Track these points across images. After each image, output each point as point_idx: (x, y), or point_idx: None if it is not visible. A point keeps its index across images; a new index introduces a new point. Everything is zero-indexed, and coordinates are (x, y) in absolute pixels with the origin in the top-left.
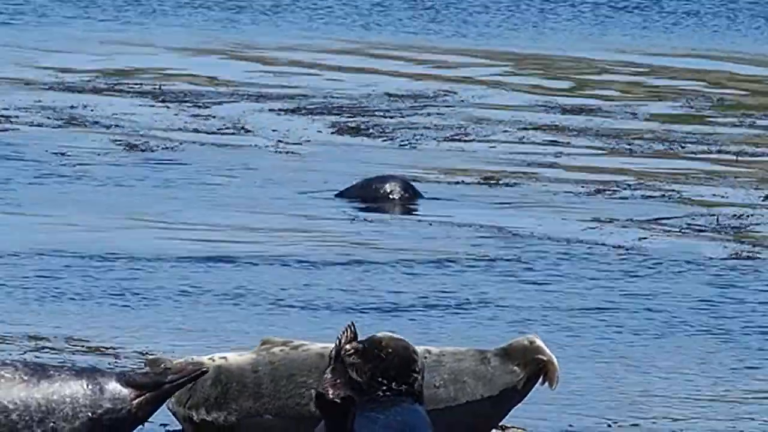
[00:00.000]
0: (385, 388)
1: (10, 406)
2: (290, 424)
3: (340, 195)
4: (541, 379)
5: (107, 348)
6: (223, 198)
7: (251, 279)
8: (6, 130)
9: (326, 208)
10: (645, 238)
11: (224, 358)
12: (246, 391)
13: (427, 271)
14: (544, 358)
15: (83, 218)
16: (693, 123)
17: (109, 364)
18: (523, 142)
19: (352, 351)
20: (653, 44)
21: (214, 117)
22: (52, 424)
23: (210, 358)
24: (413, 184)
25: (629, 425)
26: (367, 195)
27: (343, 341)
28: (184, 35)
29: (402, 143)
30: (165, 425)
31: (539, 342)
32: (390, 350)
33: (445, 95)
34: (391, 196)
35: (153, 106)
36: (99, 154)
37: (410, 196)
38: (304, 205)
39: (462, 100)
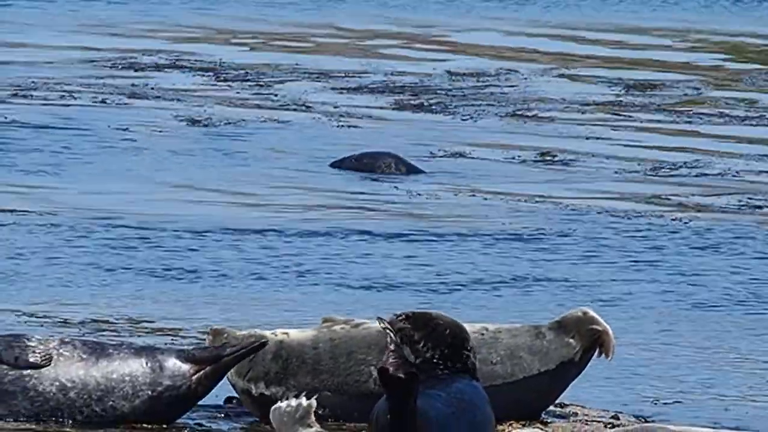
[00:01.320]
0: (442, 366)
1: (69, 385)
2: (348, 402)
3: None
4: (597, 351)
5: (168, 329)
6: (284, 173)
7: (313, 254)
8: (69, 105)
9: (384, 183)
10: (702, 216)
11: (286, 333)
12: (305, 367)
13: (483, 248)
14: (599, 329)
15: (144, 191)
16: (755, 105)
17: (170, 341)
18: (582, 122)
19: (404, 317)
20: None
21: (275, 95)
22: (111, 402)
23: (272, 333)
24: (471, 158)
25: (673, 402)
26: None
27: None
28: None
29: (464, 118)
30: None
31: (593, 313)
32: (441, 322)
33: (507, 73)
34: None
35: (214, 84)
36: (161, 130)
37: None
38: (363, 180)
39: (525, 78)
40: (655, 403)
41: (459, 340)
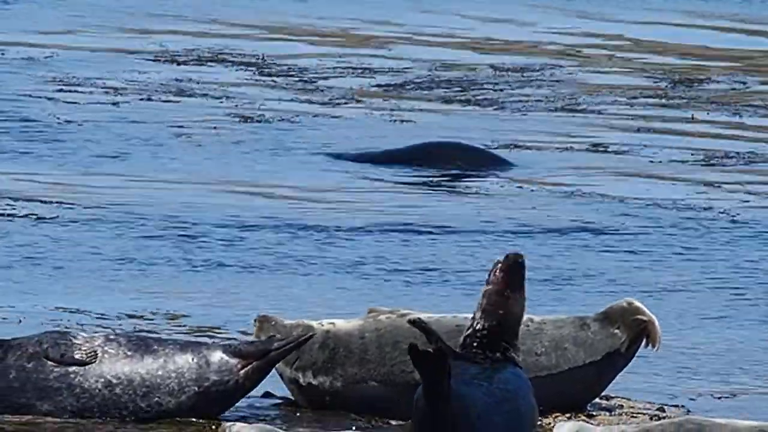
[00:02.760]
0: (482, 353)
1: (114, 381)
2: (394, 392)
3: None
4: (644, 342)
5: (207, 326)
6: (339, 166)
7: (362, 248)
8: (116, 103)
9: (438, 177)
10: (752, 206)
11: (332, 323)
12: (352, 357)
13: (532, 241)
14: (645, 319)
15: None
16: None
17: (211, 336)
18: (632, 115)
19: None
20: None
21: (322, 90)
22: (156, 398)
23: (319, 323)
24: (522, 152)
25: (721, 396)
26: (469, 164)
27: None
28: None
29: (513, 111)
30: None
31: (638, 303)
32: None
33: (552, 68)
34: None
35: (258, 79)
36: (215, 126)
37: (513, 165)
38: (418, 173)
39: (570, 73)
40: (701, 397)
41: (511, 321)
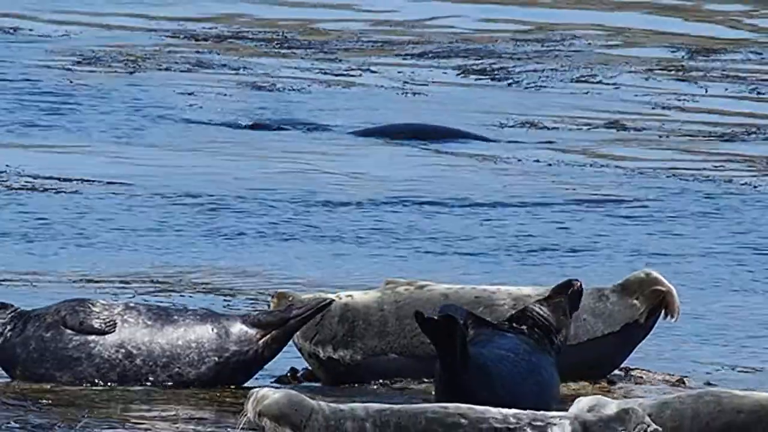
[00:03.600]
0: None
1: (134, 351)
2: (415, 363)
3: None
4: (662, 313)
5: (227, 291)
6: (347, 138)
7: (377, 219)
8: (133, 72)
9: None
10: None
11: (350, 295)
12: (372, 330)
13: (549, 214)
14: (663, 289)
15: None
16: None
17: (228, 305)
18: (649, 87)
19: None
20: None
21: (340, 61)
22: (177, 369)
23: (336, 296)
24: (539, 127)
25: (740, 369)
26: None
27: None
28: None
29: (527, 86)
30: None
31: (656, 274)
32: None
33: (572, 39)
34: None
35: (278, 52)
36: (226, 95)
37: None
38: (426, 146)
39: (588, 44)
40: (721, 369)
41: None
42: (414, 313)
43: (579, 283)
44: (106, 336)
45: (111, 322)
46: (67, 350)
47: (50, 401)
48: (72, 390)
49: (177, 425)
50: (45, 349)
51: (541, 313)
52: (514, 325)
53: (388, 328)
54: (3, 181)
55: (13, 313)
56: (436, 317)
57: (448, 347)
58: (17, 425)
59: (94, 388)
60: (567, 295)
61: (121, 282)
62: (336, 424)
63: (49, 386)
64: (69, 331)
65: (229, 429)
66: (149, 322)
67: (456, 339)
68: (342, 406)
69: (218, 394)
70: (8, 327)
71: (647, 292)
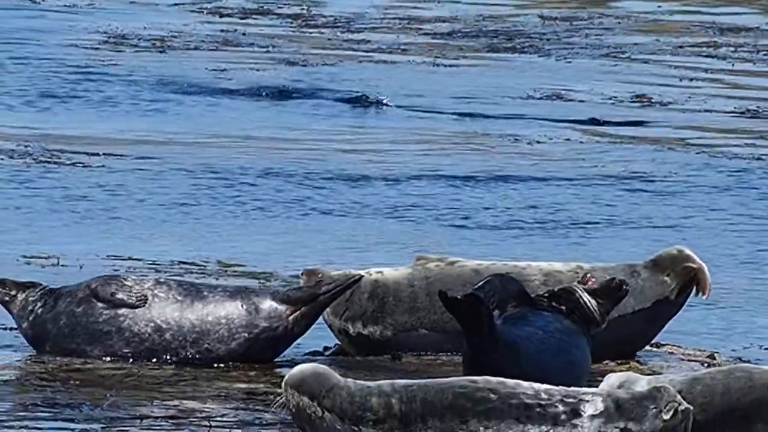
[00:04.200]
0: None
1: (164, 326)
2: (445, 339)
3: None
4: (694, 289)
5: (259, 272)
6: (379, 113)
7: (409, 195)
8: (163, 51)
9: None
10: None
11: (380, 272)
12: (402, 305)
13: (579, 189)
14: (695, 266)
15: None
16: None
17: (261, 283)
18: (677, 64)
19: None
20: None
21: (368, 41)
22: (206, 345)
23: (366, 272)
24: (567, 100)
25: None
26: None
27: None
28: None
29: (557, 58)
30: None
31: (688, 251)
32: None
33: (600, 17)
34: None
35: (304, 30)
36: (258, 70)
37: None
38: (458, 121)
39: (618, 21)
40: (752, 346)
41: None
42: (438, 293)
43: (627, 289)
44: (137, 310)
45: (142, 297)
46: (98, 324)
47: (78, 381)
48: (100, 370)
49: (205, 403)
50: (76, 324)
51: (587, 302)
52: (554, 303)
53: (419, 304)
54: (30, 155)
55: (42, 291)
56: (459, 296)
57: (473, 326)
58: (44, 404)
59: (121, 369)
60: (615, 297)
61: (150, 261)
62: (361, 400)
63: (78, 364)
64: (100, 305)
65: (258, 407)
66: (179, 298)
67: (481, 317)
68: (368, 383)
69: (247, 373)
70: (39, 304)
71: (679, 268)
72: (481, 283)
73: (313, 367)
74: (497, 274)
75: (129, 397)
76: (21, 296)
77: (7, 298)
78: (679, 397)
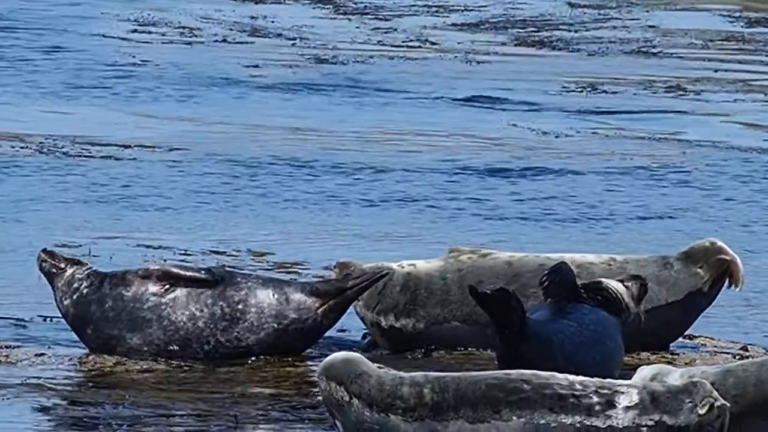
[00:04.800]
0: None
1: (198, 314)
2: (477, 331)
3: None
4: (726, 281)
5: (290, 262)
6: (411, 107)
7: (438, 187)
8: (190, 43)
9: (510, 118)
10: None
11: (413, 264)
12: (434, 298)
13: (609, 182)
14: (727, 258)
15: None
16: None
17: (292, 275)
18: (709, 57)
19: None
20: None
21: (395, 30)
22: (236, 333)
23: (398, 265)
24: (600, 93)
25: None
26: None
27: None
28: None
29: (590, 54)
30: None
31: (721, 243)
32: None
33: (628, 6)
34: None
35: (333, 18)
36: (290, 67)
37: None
38: (490, 114)
39: (646, 11)
40: None
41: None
42: (468, 287)
43: (647, 283)
44: (177, 298)
45: (221, 270)
46: (142, 311)
47: (98, 383)
48: (120, 374)
49: (232, 402)
50: (122, 309)
51: (616, 289)
52: (588, 295)
53: (451, 297)
54: (60, 148)
55: (89, 270)
56: (489, 290)
57: (504, 319)
58: (65, 402)
59: (143, 372)
60: (639, 284)
61: (182, 250)
62: (392, 389)
63: (109, 365)
64: (148, 292)
65: (283, 406)
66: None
67: (512, 311)
68: (401, 373)
69: (273, 373)
70: (85, 283)
71: (712, 260)
72: (554, 267)
73: (344, 354)
74: (563, 262)
75: (154, 396)
76: (69, 271)
77: (54, 270)
78: (715, 392)
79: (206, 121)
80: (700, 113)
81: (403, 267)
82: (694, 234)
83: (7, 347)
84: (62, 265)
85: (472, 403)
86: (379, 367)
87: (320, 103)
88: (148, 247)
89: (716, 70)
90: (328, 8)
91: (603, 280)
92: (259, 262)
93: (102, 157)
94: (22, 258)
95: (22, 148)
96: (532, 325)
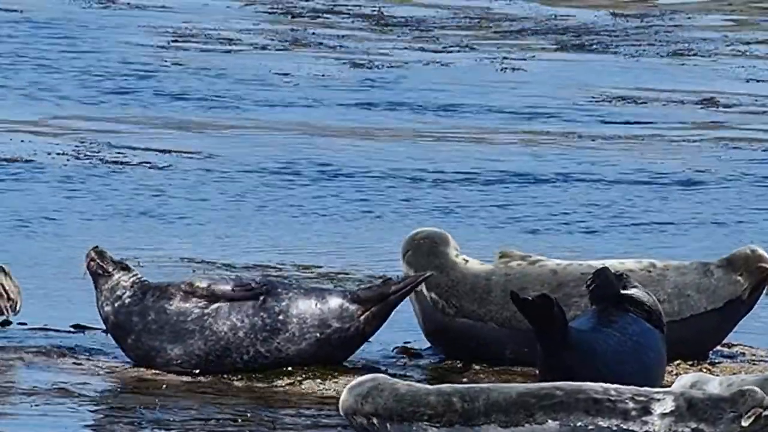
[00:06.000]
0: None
1: (239, 324)
2: (514, 335)
3: None
4: (766, 290)
5: (333, 273)
6: (448, 114)
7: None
8: (230, 51)
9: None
10: None
11: (466, 260)
12: (473, 294)
13: (646, 191)
14: (767, 266)
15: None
16: None
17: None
18: (744, 66)
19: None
20: None
21: (436, 39)
22: (276, 344)
23: (455, 255)
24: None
25: None
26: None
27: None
28: None
29: (626, 56)
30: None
31: (761, 250)
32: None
33: (671, 14)
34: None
35: (374, 29)
36: (323, 75)
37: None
38: (529, 121)
39: (689, 17)
40: None
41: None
42: (510, 294)
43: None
44: (220, 308)
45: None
46: (186, 323)
47: (132, 390)
48: (152, 383)
49: (270, 409)
50: (166, 321)
51: (642, 298)
52: (634, 305)
53: (492, 298)
54: (96, 153)
55: (134, 278)
56: (530, 296)
57: (545, 326)
58: (102, 406)
59: (178, 376)
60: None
61: (225, 263)
62: (415, 399)
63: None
64: (192, 304)
65: (321, 413)
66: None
67: (553, 318)
68: (426, 385)
69: (315, 387)
70: (128, 292)
71: (752, 268)
72: (597, 271)
73: (348, 385)
74: (606, 267)
75: (193, 402)
76: (116, 276)
77: (100, 272)
78: (767, 400)
79: (246, 131)
80: (735, 120)
81: (458, 256)
82: (734, 241)
83: (42, 354)
84: (110, 269)
85: (504, 408)
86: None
87: (358, 110)
88: (191, 260)
89: (748, 80)
90: (368, 20)
91: (626, 294)
92: (304, 273)
93: (139, 164)
94: (57, 267)
95: (58, 154)
96: (575, 333)
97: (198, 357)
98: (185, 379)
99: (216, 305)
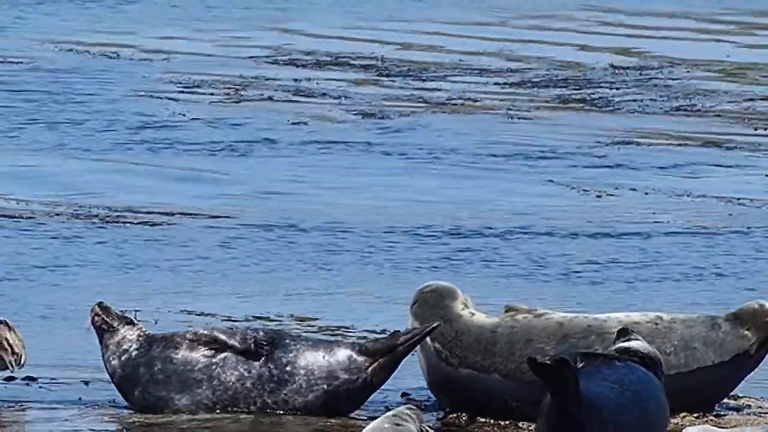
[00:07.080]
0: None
1: (246, 374)
2: (517, 387)
3: None
4: None
5: (334, 326)
6: (460, 163)
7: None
8: (239, 101)
9: (561, 177)
10: None
11: (473, 313)
12: (477, 346)
13: (659, 242)
14: None
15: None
16: None
17: (342, 333)
18: (749, 114)
19: None
20: None
21: (439, 90)
22: (283, 395)
23: (464, 306)
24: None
25: None
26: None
27: None
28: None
29: (629, 111)
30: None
31: None
32: None
33: (670, 66)
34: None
35: (377, 80)
36: (333, 122)
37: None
38: (544, 173)
39: (687, 71)
40: None
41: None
42: (527, 359)
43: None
44: (227, 358)
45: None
46: (193, 372)
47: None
48: (161, 423)
49: None
50: (173, 372)
51: (643, 349)
52: (623, 356)
53: (496, 349)
54: (104, 208)
55: (139, 332)
56: (549, 361)
57: (562, 390)
58: None
59: (202, 421)
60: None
61: (224, 316)
62: None
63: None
64: (198, 353)
65: None
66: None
67: (568, 380)
68: None
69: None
70: (134, 345)
71: (760, 323)
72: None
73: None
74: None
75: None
76: (121, 331)
77: (105, 327)
78: None
79: (252, 184)
80: (739, 171)
81: (465, 308)
82: (743, 294)
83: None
84: (115, 324)
85: None
86: None
87: (365, 164)
88: (190, 312)
89: (756, 128)
90: (370, 71)
91: (631, 347)
92: (304, 326)
93: (139, 223)
94: (64, 320)
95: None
96: (582, 392)
97: (205, 406)
98: (193, 418)
99: (223, 355)
